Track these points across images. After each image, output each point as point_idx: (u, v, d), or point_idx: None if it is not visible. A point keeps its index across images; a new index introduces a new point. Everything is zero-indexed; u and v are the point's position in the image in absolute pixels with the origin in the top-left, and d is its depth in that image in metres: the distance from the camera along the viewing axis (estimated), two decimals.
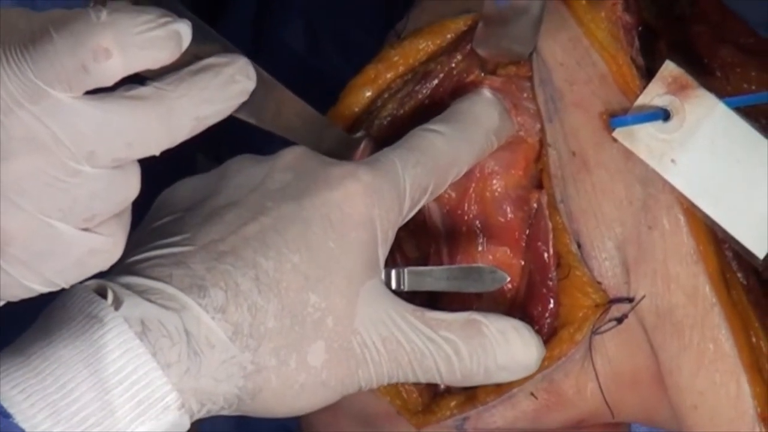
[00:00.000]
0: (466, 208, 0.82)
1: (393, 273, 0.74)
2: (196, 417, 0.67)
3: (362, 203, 0.71)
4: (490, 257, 0.81)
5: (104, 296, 0.64)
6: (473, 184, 0.81)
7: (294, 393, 0.69)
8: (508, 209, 0.81)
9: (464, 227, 0.82)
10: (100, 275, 0.66)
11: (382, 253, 0.72)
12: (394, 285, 0.74)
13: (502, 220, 0.81)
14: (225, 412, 0.68)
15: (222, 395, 0.66)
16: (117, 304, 0.64)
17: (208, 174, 0.76)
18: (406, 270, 0.74)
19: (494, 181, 0.81)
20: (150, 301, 0.65)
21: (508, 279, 0.76)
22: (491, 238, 0.81)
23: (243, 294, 0.67)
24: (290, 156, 0.74)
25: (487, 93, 0.81)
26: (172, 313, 0.65)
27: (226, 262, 0.67)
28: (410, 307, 0.73)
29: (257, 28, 1.18)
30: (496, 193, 0.81)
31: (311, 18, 1.18)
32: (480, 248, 0.81)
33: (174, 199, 0.74)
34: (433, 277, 0.75)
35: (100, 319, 0.63)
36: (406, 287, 0.74)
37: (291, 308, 0.68)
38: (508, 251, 0.81)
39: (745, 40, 0.94)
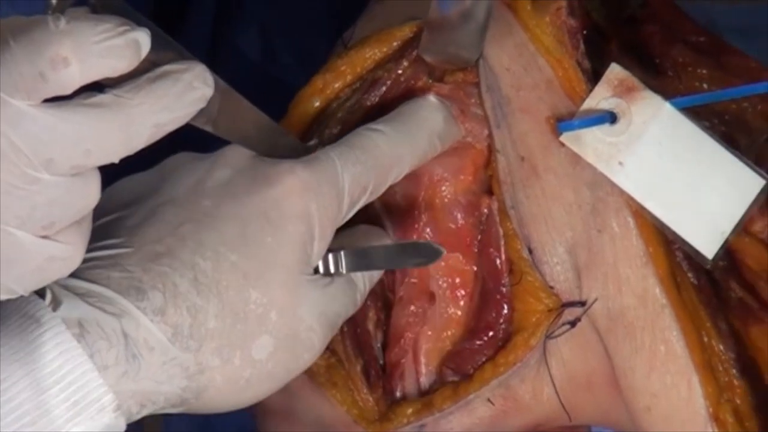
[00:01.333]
0: (416, 215, 0.82)
1: (330, 257, 0.74)
2: (136, 418, 0.67)
3: (299, 199, 0.72)
4: (443, 263, 0.81)
5: (43, 296, 0.64)
6: (423, 192, 0.82)
7: (239, 388, 0.70)
8: (459, 215, 0.82)
9: (415, 235, 0.82)
10: None
11: (319, 247, 0.73)
12: (332, 269, 0.74)
13: (453, 226, 0.82)
14: (170, 411, 0.69)
15: (163, 396, 0.67)
16: (55, 305, 0.64)
17: (148, 172, 0.76)
18: (342, 252, 0.75)
19: (443, 188, 0.82)
20: (88, 303, 0.65)
21: (445, 252, 0.76)
22: (443, 244, 0.81)
23: (182, 295, 0.67)
24: (229, 154, 0.74)
25: (432, 97, 0.81)
26: (111, 316, 0.65)
27: (164, 264, 0.68)
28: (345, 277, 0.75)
29: (215, 36, 1.18)
30: (446, 200, 0.82)
31: (266, 25, 1.18)
32: None
33: (115, 197, 0.74)
34: (372, 257, 0.76)
35: (38, 319, 0.63)
36: (344, 270, 0.75)
37: (232, 307, 0.69)
38: (461, 257, 0.81)
39: (695, 39, 0.94)
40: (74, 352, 0.63)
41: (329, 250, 0.74)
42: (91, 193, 0.63)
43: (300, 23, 1.19)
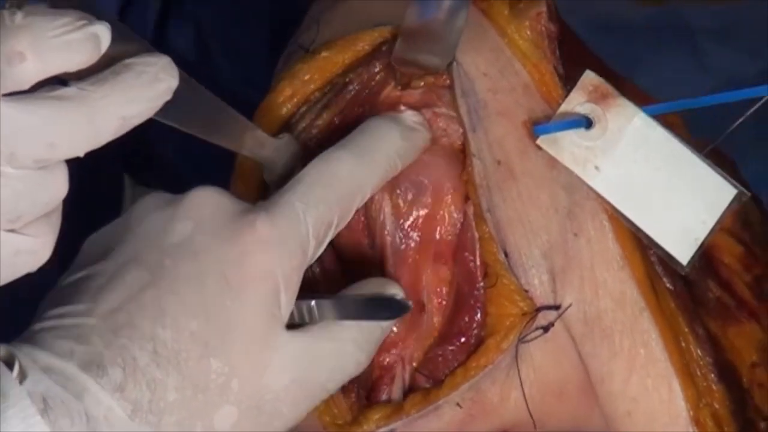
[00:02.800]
0: (425, 233, 0.81)
1: (304, 307, 0.72)
2: None
3: (260, 257, 0.70)
4: (434, 275, 0.81)
5: (11, 366, 0.63)
6: (431, 207, 0.81)
7: None
8: (458, 225, 0.81)
9: (413, 244, 0.81)
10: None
11: (286, 299, 0.70)
12: (307, 318, 0.72)
13: (452, 238, 0.81)
14: None
15: None
16: (22, 377, 0.63)
17: (116, 222, 0.74)
18: (313, 302, 0.73)
19: (449, 198, 0.81)
20: (52, 379, 0.64)
21: (411, 308, 0.76)
22: (441, 256, 0.81)
23: (141, 369, 0.65)
24: (192, 202, 0.72)
25: (386, 115, 0.80)
26: (72, 395, 0.64)
27: (124, 335, 0.66)
28: (316, 330, 0.72)
29: (156, 35, 1.17)
30: (453, 212, 0.81)
31: (202, 24, 1.17)
32: (426, 268, 0.81)
33: (86, 252, 0.72)
34: (344, 308, 0.74)
35: (5, 393, 0.62)
36: (318, 319, 0.73)
37: (192, 378, 0.67)
38: (447, 269, 0.81)
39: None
40: (38, 427, 0.61)
41: (302, 300, 0.72)
42: (58, 186, 0.63)
43: (234, 23, 1.18)
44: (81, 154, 0.62)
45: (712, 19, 1.11)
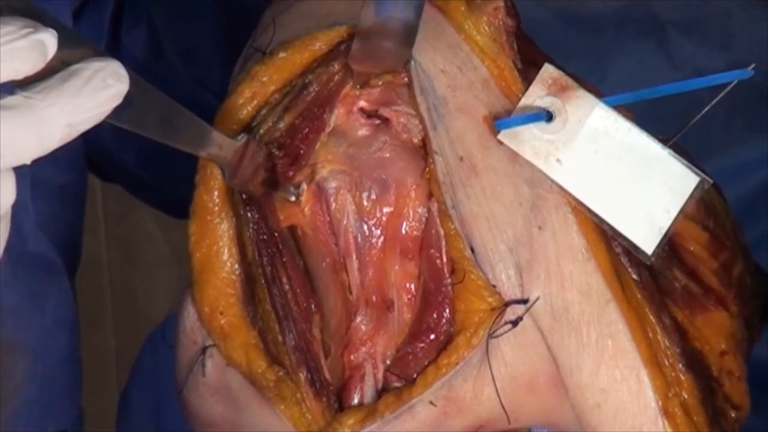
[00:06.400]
0: (386, 227, 0.81)
1: None
2: None
3: None
4: (402, 271, 0.81)
5: None
6: (394, 203, 0.81)
7: None
8: (423, 220, 0.81)
9: (378, 242, 0.81)
10: None
11: None
12: None
13: (417, 233, 0.81)
14: None
15: None
16: None
17: None
18: None
19: (413, 194, 0.81)
20: None
21: None
22: (407, 252, 0.81)
23: None
24: None
25: None
26: None
27: None
28: None
29: (111, 33, 1.16)
30: (417, 206, 0.81)
31: (154, 21, 1.16)
32: (393, 265, 0.81)
33: None
34: None
35: None
36: None
37: None
38: (414, 264, 0.81)
39: None
40: None
41: None
42: (6, 194, 0.62)
43: (186, 23, 1.17)
44: (28, 162, 0.62)
45: (681, 11, 1.10)
